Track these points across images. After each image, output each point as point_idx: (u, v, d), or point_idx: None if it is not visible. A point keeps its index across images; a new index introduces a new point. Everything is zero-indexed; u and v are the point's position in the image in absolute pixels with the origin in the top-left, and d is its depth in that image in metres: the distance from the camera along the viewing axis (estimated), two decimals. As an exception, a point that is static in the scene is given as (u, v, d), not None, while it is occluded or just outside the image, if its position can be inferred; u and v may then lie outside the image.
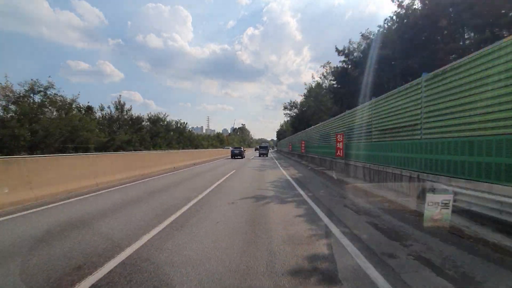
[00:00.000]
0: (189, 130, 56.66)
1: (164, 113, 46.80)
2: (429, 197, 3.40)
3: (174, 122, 51.08)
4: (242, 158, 28.30)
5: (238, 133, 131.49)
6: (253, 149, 79.36)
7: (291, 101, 53.87)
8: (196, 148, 46.76)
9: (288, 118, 54.46)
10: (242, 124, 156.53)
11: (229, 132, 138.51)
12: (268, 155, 36.14)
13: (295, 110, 48.77)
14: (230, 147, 44.55)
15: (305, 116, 40.29)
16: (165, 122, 46.70)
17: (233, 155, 28.99)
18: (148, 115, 41.94)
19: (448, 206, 3.21)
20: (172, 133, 48.00)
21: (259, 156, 33.68)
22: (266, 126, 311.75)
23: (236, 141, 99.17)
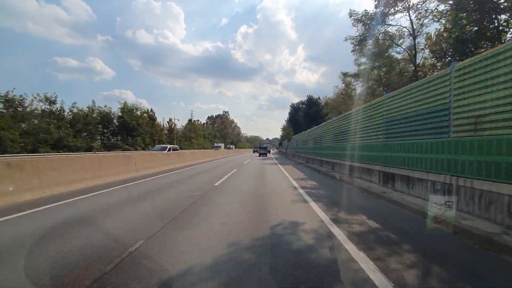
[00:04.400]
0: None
1: None
2: (433, 198, 3.46)
3: None
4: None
5: (214, 124, 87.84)
6: (250, 151, 59.30)
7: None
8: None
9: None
10: (224, 111, 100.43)
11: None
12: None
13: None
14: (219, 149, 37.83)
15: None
16: None
17: (254, 151, 47.52)
18: None
19: (452, 207, 3.29)
20: None
21: (259, 155, 35.10)
22: (261, 126, 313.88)
23: (206, 136, 66.44)
